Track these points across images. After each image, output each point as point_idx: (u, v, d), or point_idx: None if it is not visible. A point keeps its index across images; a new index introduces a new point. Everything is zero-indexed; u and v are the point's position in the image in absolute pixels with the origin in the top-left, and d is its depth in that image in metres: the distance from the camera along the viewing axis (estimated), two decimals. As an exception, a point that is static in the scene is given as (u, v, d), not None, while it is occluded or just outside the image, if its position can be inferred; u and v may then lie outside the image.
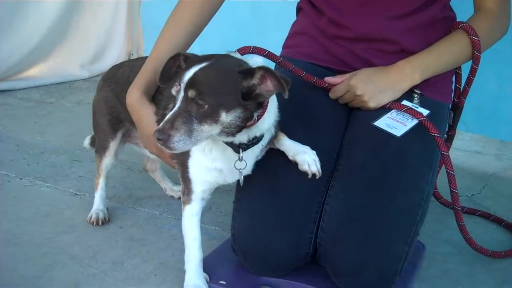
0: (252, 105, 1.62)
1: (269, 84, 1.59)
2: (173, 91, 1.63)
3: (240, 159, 1.79)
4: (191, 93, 1.57)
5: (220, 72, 1.62)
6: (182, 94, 1.59)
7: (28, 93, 4.27)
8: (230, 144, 1.76)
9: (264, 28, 4.13)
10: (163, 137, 1.56)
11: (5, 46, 4.24)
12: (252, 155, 1.85)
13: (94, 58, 4.90)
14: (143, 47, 5.13)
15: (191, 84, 1.58)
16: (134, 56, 5.11)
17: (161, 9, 4.66)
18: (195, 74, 1.59)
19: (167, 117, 1.58)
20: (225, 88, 1.59)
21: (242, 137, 1.72)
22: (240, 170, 1.82)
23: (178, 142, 1.56)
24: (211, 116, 1.57)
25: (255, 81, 1.60)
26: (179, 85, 1.60)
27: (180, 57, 1.71)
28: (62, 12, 4.56)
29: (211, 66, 1.61)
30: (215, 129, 1.60)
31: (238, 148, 1.76)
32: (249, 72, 1.60)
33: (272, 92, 1.62)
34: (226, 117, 1.59)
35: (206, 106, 1.56)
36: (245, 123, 1.64)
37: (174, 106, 1.60)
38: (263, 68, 1.58)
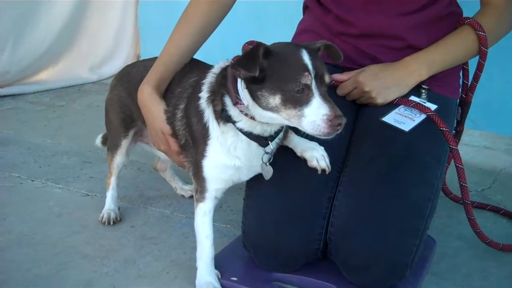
0: None
1: None
2: (306, 81, 1.61)
3: (271, 152, 1.84)
4: (328, 77, 1.66)
5: (316, 53, 1.73)
6: (314, 82, 1.62)
7: (38, 96, 4.32)
8: (257, 138, 1.80)
9: (263, 27, 4.15)
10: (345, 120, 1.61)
11: (17, 50, 4.30)
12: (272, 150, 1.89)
13: (103, 61, 4.95)
14: (139, 49, 5.16)
15: (322, 70, 1.64)
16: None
17: (158, 11, 4.74)
18: (315, 60, 1.65)
19: (331, 103, 1.61)
20: None
21: (277, 126, 1.81)
22: (267, 164, 1.86)
23: None
24: None
25: None
26: (309, 73, 1.62)
27: (261, 49, 1.63)
28: (71, 17, 4.63)
29: (308, 50, 1.67)
30: None
31: (266, 140, 1.81)
32: (319, 48, 1.76)
33: None
34: None
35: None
36: None
37: (310, 94, 1.62)
38: (324, 43, 1.77)
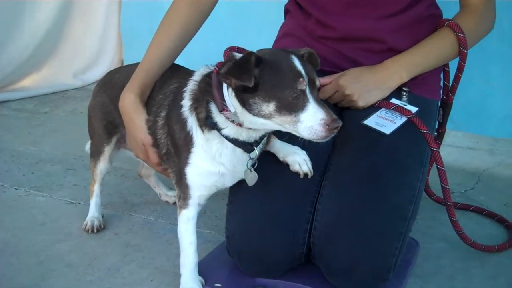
0: None
1: None
2: (302, 86, 1.63)
3: (254, 158, 1.84)
4: (318, 81, 1.69)
5: (303, 58, 1.74)
6: (307, 87, 1.64)
7: (22, 103, 4.29)
8: (243, 144, 1.80)
9: (245, 32, 4.15)
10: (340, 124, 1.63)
11: (1, 57, 4.26)
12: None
13: (86, 67, 4.91)
14: (123, 54, 5.13)
15: (313, 75, 1.67)
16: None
17: (140, 16, 4.72)
18: (306, 66, 1.67)
19: (326, 108, 1.63)
20: None
21: (263, 132, 1.81)
22: (251, 169, 1.86)
23: None
24: None
25: None
26: (304, 79, 1.63)
27: (253, 58, 1.63)
28: (54, 22, 4.59)
29: (297, 55, 1.69)
30: None
31: (251, 146, 1.81)
32: (303, 55, 1.76)
33: None
34: None
35: None
36: None
37: (305, 100, 1.63)
38: (308, 50, 1.78)
